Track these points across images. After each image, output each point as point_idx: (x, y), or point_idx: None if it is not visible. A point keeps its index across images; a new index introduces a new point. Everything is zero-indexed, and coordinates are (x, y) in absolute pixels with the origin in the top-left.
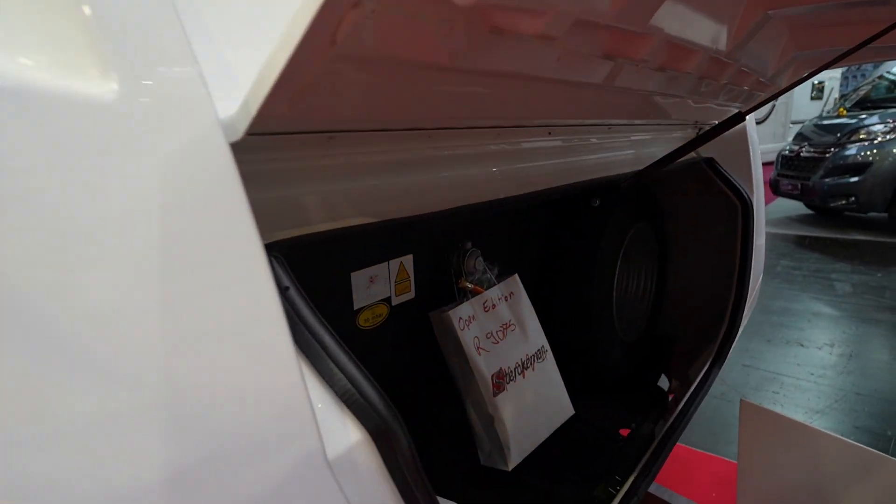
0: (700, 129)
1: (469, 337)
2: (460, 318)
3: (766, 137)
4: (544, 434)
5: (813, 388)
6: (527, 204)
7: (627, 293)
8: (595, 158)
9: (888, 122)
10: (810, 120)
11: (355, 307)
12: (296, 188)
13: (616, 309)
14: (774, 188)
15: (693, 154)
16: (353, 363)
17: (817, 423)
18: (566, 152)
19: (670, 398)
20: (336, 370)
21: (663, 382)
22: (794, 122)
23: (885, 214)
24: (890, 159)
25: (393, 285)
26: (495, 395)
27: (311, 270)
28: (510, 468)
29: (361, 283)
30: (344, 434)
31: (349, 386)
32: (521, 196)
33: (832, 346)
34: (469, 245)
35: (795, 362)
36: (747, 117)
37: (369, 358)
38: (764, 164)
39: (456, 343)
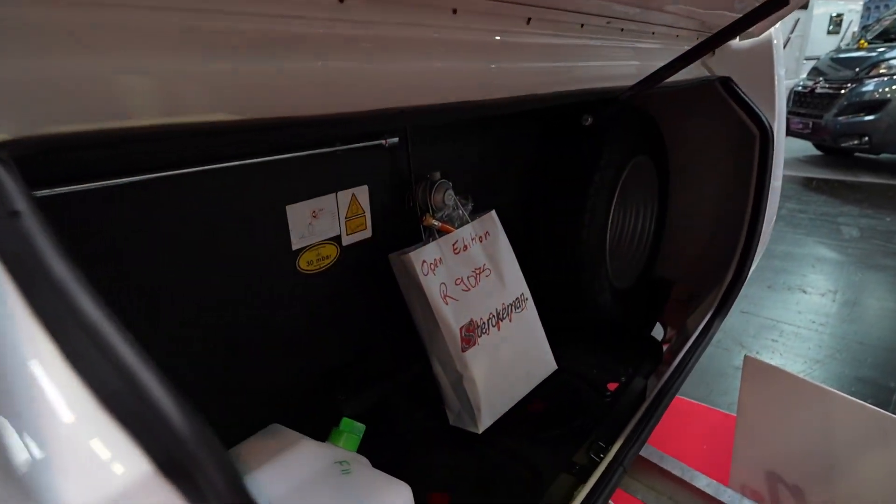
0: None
1: (434, 284)
2: (424, 262)
3: None
4: (521, 392)
5: (814, 337)
6: (490, 112)
7: (623, 234)
8: (588, 66)
9: None
10: (827, 53)
11: (294, 248)
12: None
13: (609, 251)
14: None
15: (706, 72)
16: (131, 346)
17: (817, 373)
18: (550, 53)
19: (665, 349)
20: (100, 356)
21: (658, 333)
22: (808, 59)
23: None
24: None
25: (343, 222)
26: (464, 349)
27: (227, 199)
28: (480, 431)
29: (300, 218)
30: (110, 467)
31: (121, 384)
32: (485, 102)
33: (836, 293)
34: (437, 176)
35: (797, 309)
36: (775, 38)
37: (314, 308)
38: None
39: (419, 290)
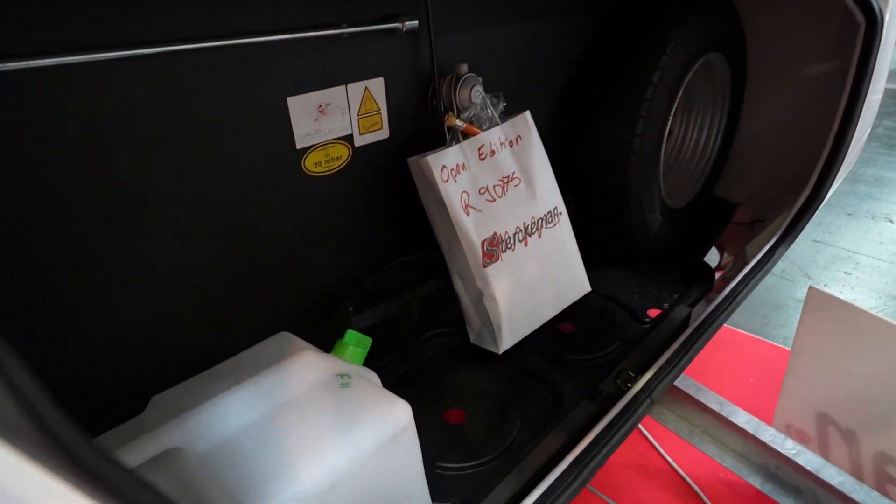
0: None
1: (455, 192)
2: (444, 167)
3: None
4: (548, 314)
5: (894, 271)
6: None
7: (683, 145)
8: None
9: None
10: None
11: (298, 146)
12: None
13: (664, 164)
14: None
15: None
16: None
17: (891, 311)
18: None
19: (718, 276)
20: None
21: (713, 259)
22: None
23: None
24: None
25: (355, 119)
26: (486, 265)
27: (221, 87)
28: (500, 351)
29: (304, 112)
30: None
31: None
32: None
33: None
34: (464, 69)
35: (878, 240)
36: None
37: (324, 213)
38: None
39: (438, 199)
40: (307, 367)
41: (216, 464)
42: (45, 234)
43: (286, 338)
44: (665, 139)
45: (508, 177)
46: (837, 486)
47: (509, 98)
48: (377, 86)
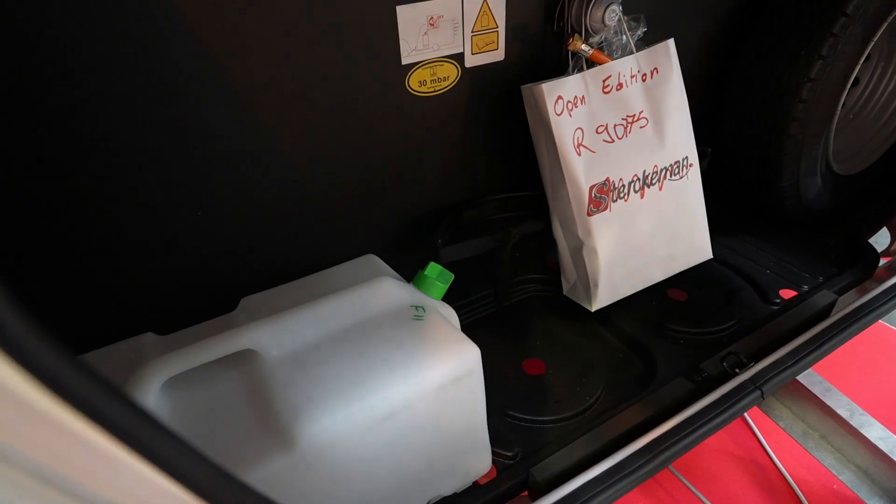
0: None
1: (567, 127)
2: (560, 98)
3: None
4: (656, 276)
5: None
6: None
7: (872, 97)
8: None
9: None
10: None
11: (403, 62)
12: None
13: (838, 119)
14: None
15: None
16: None
17: None
18: None
19: (883, 263)
20: None
21: (883, 241)
22: None
23: None
24: None
25: (468, 37)
26: (591, 213)
27: None
28: (593, 309)
29: (413, 25)
30: None
31: None
32: None
33: None
34: None
35: None
36: None
37: (425, 137)
38: None
39: (547, 133)
40: (383, 294)
41: (283, 372)
42: (153, 139)
43: (372, 261)
44: (847, 88)
45: (635, 116)
46: None
47: (653, 23)
48: (497, 0)
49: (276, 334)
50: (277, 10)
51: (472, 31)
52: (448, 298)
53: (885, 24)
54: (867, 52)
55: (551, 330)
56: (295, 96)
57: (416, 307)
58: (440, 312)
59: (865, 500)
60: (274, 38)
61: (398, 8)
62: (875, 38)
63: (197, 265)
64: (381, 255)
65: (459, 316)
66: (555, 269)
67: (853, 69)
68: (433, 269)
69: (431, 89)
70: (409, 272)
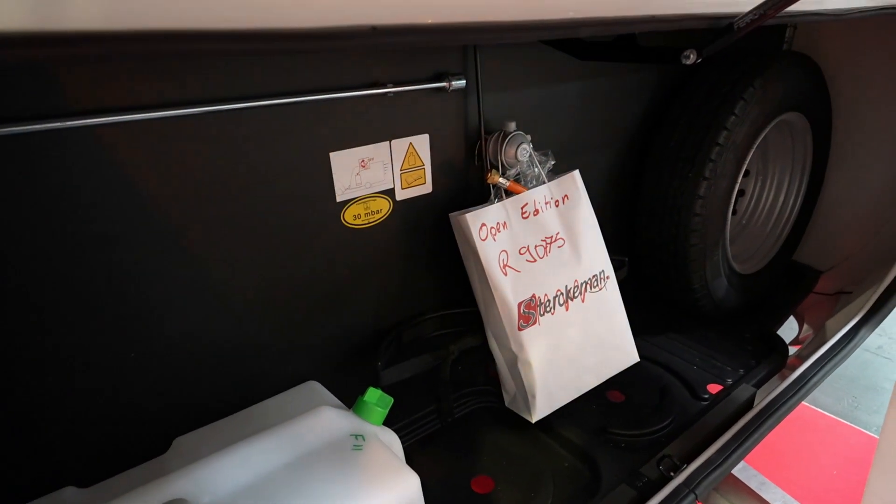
0: None
1: (493, 251)
2: (484, 225)
3: None
4: (590, 383)
5: None
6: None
7: (758, 206)
8: None
9: None
10: None
11: (338, 199)
12: None
13: (733, 227)
14: None
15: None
16: None
17: None
18: None
19: (793, 352)
20: None
21: (790, 332)
22: None
23: None
24: None
25: (398, 173)
26: (521, 328)
27: (265, 142)
28: (534, 420)
29: (346, 167)
30: None
31: None
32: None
33: None
34: (512, 127)
35: None
36: None
37: (361, 266)
38: None
39: (475, 256)
40: (321, 425)
41: None
42: (87, 285)
43: (313, 388)
44: (732, 201)
45: (552, 237)
46: None
47: (561, 156)
48: (422, 142)
49: (207, 480)
50: (215, 159)
51: (401, 170)
52: (392, 418)
53: (754, 148)
54: (744, 170)
55: (497, 442)
56: (232, 238)
57: (356, 436)
58: (380, 439)
59: None
60: (211, 183)
61: (332, 154)
62: (748, 159)
63: (127, 408)
64: (325, 381)
65: (404, 436)
66: (496, 379)
67: (734, 186)
68: (372, 394)
69: (366, 221)
70: (354, 395)
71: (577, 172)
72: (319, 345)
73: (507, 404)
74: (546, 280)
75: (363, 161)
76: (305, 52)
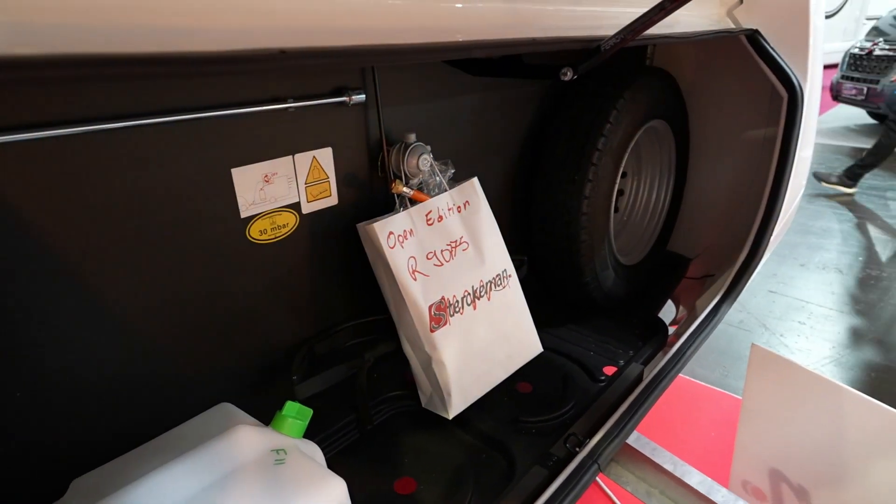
0: None
1: (401, 257)
2: (391, 234)
3: (834, 34)
4: (500, 376)
5: (846, 320)
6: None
7: (634, 205)
8: (559, 10)
9: None
10: (890, 11)
11: (243, 215)
12: None
13: (616, 223)
14: (835, 94)
15: (731, 24)
16: None
17: (845, 360)
18: None
19: (673, 331)
20: None
21: (670, 314)
22: (869, 19)
23: None
24: None
25: (302, 187)
26: (433, 329)
27: (164, 159)
28: (451, 416)
29: (249, 182)
30: None
31: None
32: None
33: (877, 274)
34: (412, 138)
35: (830, 290)
36: None
37: (270, 281)
38: (827, 68)
39: (385, 264)
40: (241, 444)
41: None
42: None
43: (226, 410)
44: (613, 200)
45: (457, 241)
46: None
47: (460, 164)
48: (325, 155)
49: None
50: (110, 179)
51: (306, 183)
52: (311, 431)
53: (628, 152)
54: (621, 171)
55: (417, 444)
56: (131, 262)
57: (277, 451)
58: (302, 452)
59: None
60: (104, 206)
61: (233, 170)
62: (624, 162)
63: (17, 450)
64: (242, 403)
65: (325, 448)
66: (412, 383)
67: (614, 186)
68: (291, 407)
69: (272, 236)
70: (273, 415)
71: (475, 179)
72: (233, 366)
73: (424, 405)
74: (454, 282)
75: (266, 176)
76: (214, 76)
